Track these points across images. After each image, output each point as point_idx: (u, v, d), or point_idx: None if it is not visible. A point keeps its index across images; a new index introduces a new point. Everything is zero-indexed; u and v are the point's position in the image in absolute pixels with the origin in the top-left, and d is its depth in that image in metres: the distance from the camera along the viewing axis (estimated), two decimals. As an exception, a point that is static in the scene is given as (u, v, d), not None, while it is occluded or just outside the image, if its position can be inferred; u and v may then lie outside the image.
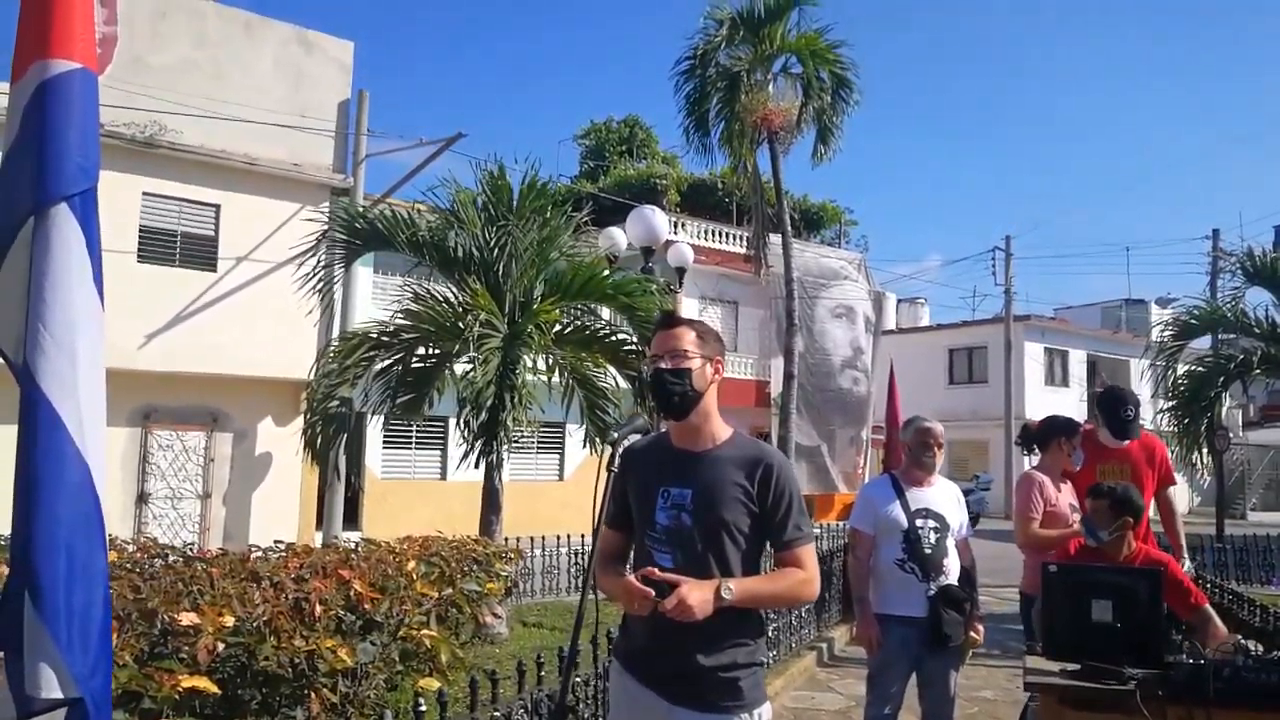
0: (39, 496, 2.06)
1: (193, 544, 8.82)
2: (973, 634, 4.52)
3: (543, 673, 4.70)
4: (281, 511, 15.31)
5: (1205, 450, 13.84)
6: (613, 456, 2.63)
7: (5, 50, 2.25)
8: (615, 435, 2.70)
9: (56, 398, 2.07)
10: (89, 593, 2.09)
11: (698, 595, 2.50)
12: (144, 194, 13.90)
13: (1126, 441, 5.40)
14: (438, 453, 19.28)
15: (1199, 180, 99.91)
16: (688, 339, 2.76)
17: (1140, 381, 24.90)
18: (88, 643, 2.07)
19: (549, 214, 10.03)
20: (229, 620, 4.21)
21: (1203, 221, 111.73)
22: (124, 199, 13.33)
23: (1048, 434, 5.48)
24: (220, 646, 4.08)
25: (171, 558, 6.27)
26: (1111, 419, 5.43)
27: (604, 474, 2.60)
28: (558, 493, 20.29)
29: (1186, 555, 5.60)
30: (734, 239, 26.55)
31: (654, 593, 2.51)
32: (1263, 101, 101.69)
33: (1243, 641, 4.12)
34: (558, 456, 20.90)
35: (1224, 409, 15.64)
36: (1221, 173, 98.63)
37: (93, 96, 2.13)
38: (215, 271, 14.63)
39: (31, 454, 2.06)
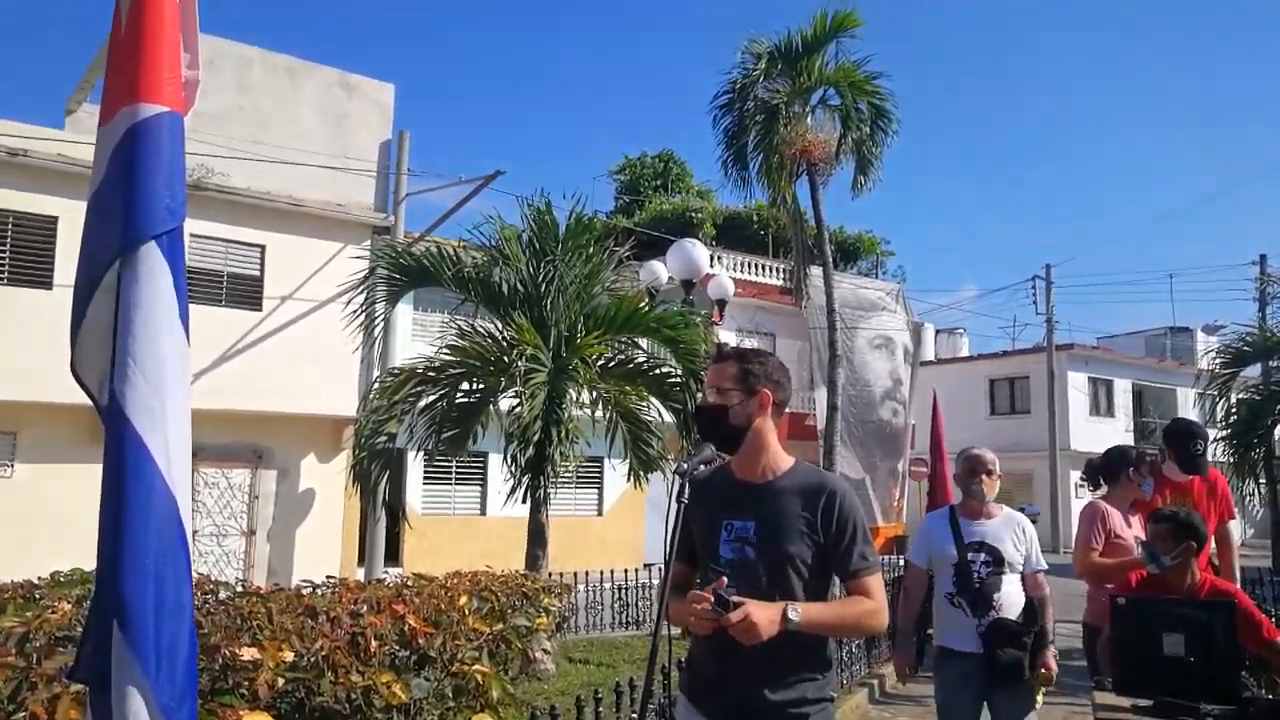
0: (128, 528, 2.08)
1: (241, 580, 8.86)
2: (1043, 670, 4.37)
3: (600, 709, 4.67)
4: (324, 547, 15.42)
5: (1261, 480, 13.56)
6: (683, 488, 2.61)
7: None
8: (685, 466, 2.68)
9: (145, 431, 2.09)
10: (176, 625, 2.11)
11: (764, 614, 2.47)
12: (191, 235, 14.13)
13: (1193, 476, 5.32)
14: (477, 488, 19.31)
15: (1242, 207, 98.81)
16: (728, 375, 2.79)
17: (1191, 409, 24.50)
18: (174, 675, 2.08)
19: (592, 249, 10.08)
20: (288, 655, 4.22)
21: (1246, 248, 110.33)
22: (172, 240, 13.57)
23: (1114, 466, 5.36)
24: (280, 681, 4.08)
25: (224, 594, 6.29)
26: (1182, 453, 5.34)
27: (675, 505, 2.59)
28: (597, 528, 20.22)
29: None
30: (770, 271, 26.56)
31: (714, 601, 2.48)
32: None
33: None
34: (596, 491, 20.84)
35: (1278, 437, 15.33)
36: (1266, 199, 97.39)
37: (179, 138, 2.18)
38: (260, 311, 14.85)
39: (120, 486, 2.08)
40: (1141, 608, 3.88)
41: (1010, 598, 4.41)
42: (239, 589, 6.60)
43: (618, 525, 20.47)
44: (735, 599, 2.48)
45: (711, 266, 22.21)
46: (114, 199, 2.13)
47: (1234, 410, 13.61)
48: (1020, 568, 4.48)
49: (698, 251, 12.76)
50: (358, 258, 11.31)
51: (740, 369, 2.79)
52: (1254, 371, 16.99)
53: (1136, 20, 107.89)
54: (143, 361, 2.09)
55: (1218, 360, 14.41)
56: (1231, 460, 13.18)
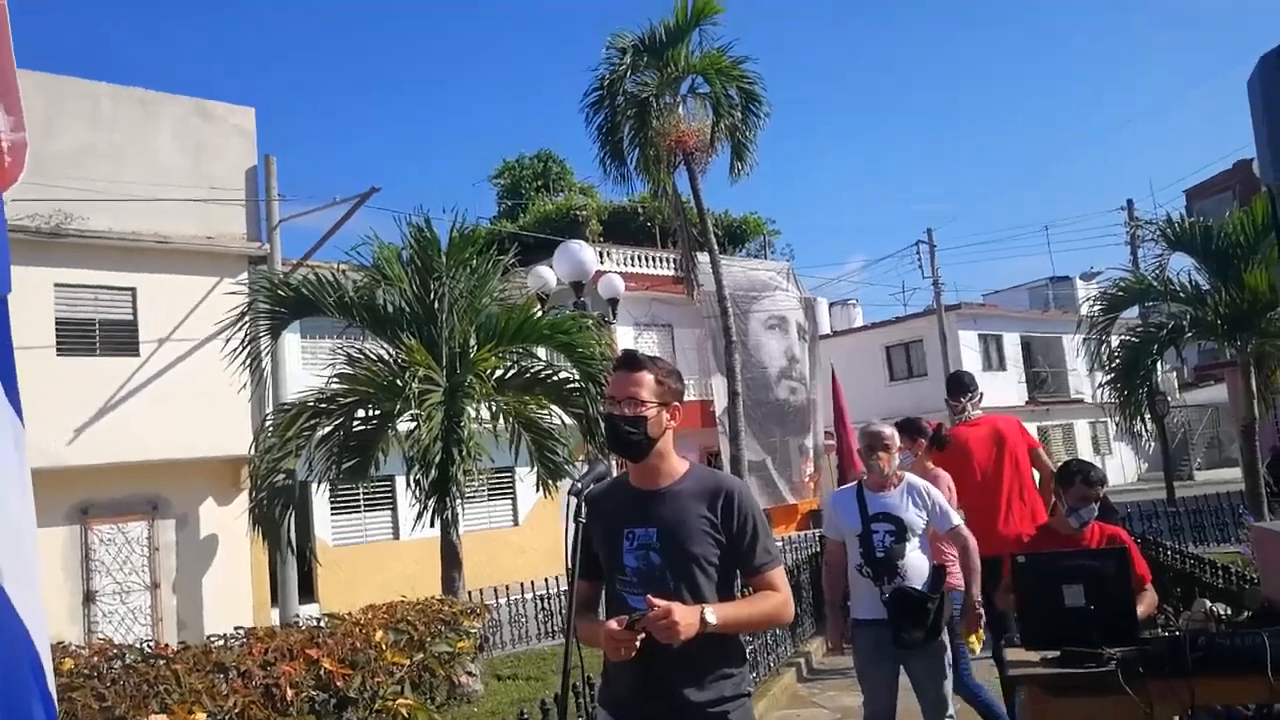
0: None
1: (148, 639, 8.54)
2: (970, 633, 4.55)
3: (526, 728, 4.61)
4: (234, 593, 14.91)
5: (1147, 417, 14.14)
6: (579, 507, 2.60)
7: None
8: (579, 486, 2.66)
9: None
10: None
11: (684, 614, 2.47)
12: (56, 285, 13.53)
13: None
14: (388, 513, 18.95)
15: (1104, 155, 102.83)
16: (646, 385, 2.73)
17: (1076, 358, 25.40)
18: None
19: (477, 260, 9.96)
20: (201, 717, 4.08)
21: (1115, 193, 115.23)
22: (36, 293, 12.97)
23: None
24: (191, 747, 3.94)
25: (129, 658, 6.05)
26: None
27: (573, 525, 2.57)
28: (514, 538, 20.05)
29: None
30: (661, 262, 26.65)
31: (626, 624, 2.48)
32: (1151, 80, 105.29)
33: (1211, 607, 4.18)
34: (510, 501, 20.65)
35: (1160, 375, 15.96)
36: (1126, 145, 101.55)
37: (-3, 211, 2.00)
38: (139, 356, 14.25)
39: None
40: (1040, 563, 3.98)
41: (914, 564, 4.52)
42: (144, 650, 6.36)
43: (535, 533, 20.32)
44: (654, 604, 2.46)
45: (601, 263, 22.20)
46: None
47: (1116, 354, 14.11)
48: (922, 533, 4.59)
49: (585, 253, 12.69)
50: (235, 292, 10.94)
51: (655, 380, 2.75)
52: (1132, 313, 17.70)
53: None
54: None
55: (1096, 307, 14.89)
56: (1118, 401, 13.71)
